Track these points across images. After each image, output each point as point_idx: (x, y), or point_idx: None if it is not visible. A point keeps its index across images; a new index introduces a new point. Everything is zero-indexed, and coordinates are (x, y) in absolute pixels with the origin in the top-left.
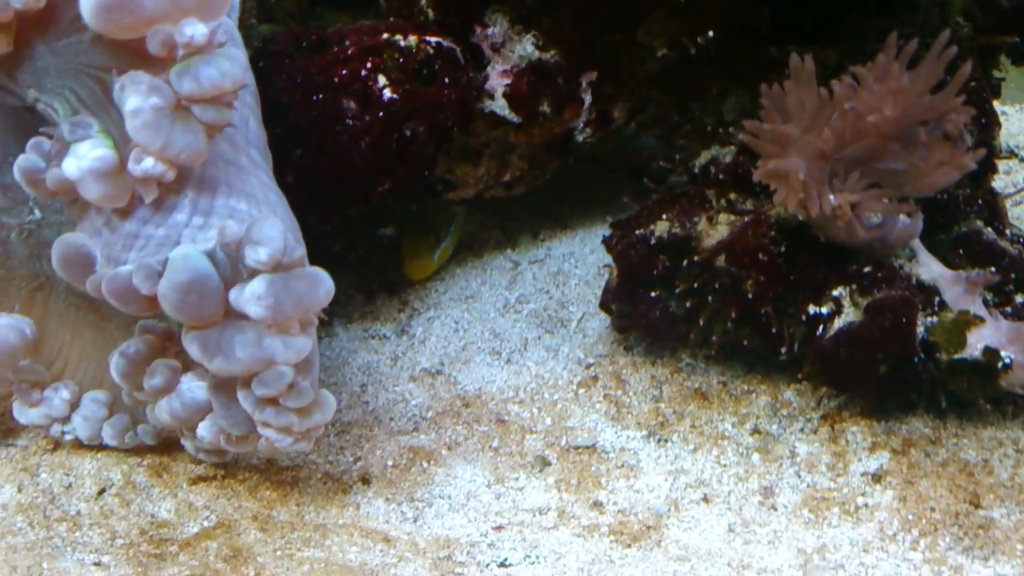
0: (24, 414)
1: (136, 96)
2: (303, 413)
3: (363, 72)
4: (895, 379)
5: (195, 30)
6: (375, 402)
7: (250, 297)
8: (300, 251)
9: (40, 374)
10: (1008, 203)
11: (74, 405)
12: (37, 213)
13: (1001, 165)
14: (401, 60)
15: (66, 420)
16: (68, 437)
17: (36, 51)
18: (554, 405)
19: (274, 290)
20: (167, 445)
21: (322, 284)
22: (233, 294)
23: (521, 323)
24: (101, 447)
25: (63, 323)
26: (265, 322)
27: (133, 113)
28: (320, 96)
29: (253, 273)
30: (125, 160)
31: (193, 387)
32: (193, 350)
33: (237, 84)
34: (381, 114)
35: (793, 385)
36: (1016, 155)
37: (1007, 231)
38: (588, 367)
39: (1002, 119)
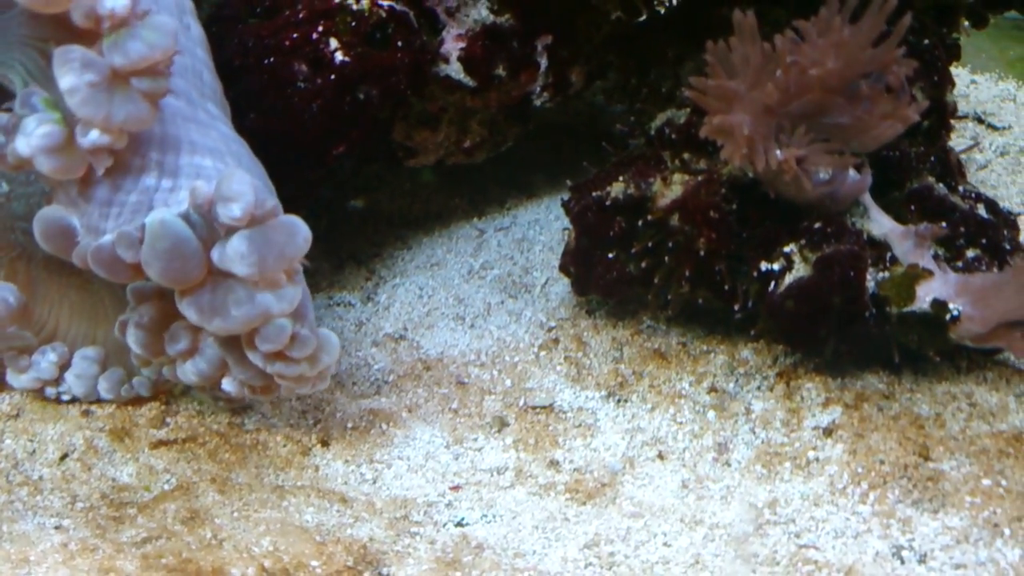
0: (16, 379)
1: (70, 73)
2: (311, 360)
3: (314, 35)
4: (846, 333)
5: (115, 3)
6: (337, 367)
7: (234, 257)
8: (272, 201)
9: (27, 339)
10: (972, 167)
11: (63, 367)
12: (4, 186)
13: (968, 131)
14: (353, 24)
15: (57, 381)
16: (65, 397)
17: None
18: (514, 367)
19: (256, 246)
20: (131, 406)
21: (299, 231)
22: (216, 254)
23: (485, 289)
24: (88, 405)
25: (49, 286)
26: (252, 279)
27: (70, 91)
28: (272, 60)
29: (229, 230)
30: (75, 131)
31: (213, 343)
32: (191, 315)
33: (167, 53)
34: (333, 77)
35: (751, 344)
36: (984, 121)
37: (960, 187)
38: (550, 330)
39: (973, 87)
